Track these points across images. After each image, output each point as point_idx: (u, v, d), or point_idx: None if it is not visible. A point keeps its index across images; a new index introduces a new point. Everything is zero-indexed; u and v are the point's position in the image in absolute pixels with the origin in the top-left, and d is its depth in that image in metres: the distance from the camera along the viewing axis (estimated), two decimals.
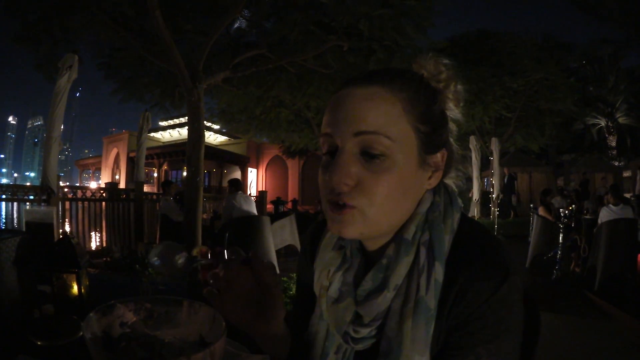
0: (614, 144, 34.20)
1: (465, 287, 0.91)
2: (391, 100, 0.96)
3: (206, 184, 38.04)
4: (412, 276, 0.96)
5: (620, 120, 33.79)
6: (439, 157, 1.03)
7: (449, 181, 1.11)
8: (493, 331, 0.89)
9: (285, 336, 1.12)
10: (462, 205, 1.06)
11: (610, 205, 8.49)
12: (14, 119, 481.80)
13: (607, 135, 34.57)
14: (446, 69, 1.04)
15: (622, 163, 30.70)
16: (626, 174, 25.28)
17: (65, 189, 11.20)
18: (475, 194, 15.54)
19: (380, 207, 0.95)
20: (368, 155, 0.94)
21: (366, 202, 0.94)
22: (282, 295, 1.09)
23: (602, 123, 34.47)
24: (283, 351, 1.12)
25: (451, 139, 1.09)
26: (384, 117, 0.95)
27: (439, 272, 0.93)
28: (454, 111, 1.07)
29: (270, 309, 1.06)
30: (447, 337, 0.93)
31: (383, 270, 0.99)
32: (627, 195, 17.40)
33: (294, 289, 5.78)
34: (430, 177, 1.03)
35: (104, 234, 11.22)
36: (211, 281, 1.05)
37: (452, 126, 1.09)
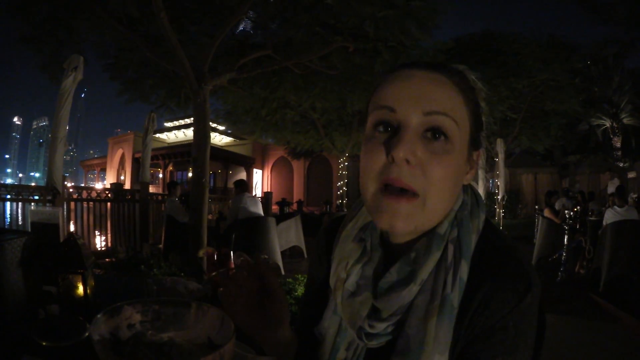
0: (618, 144, 34.12)
1: (489, 296, 0.90)
2: (455, 89, 0.98)
3: (211, 184, 38.09)
4: (439, 273, 0.95)
5: (625, 121, 33.71)
6: (477, 155, 1.06)
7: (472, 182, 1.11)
8: (513, 342, 0.88)
9: (290, 341, 1.12)
10: (486, 209, 1.06)
11: (616, 207, 8.47)
12: (19, 120, 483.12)
13: (612, 136, 34.50)
14: (473, 82, 1.04)
15: (627, 164, 30.61)
16: (631, 175, 25.21)
17: (71, 190, 11.21)
18: (482, 195, 15.50)
19: (439, 193, 0.95)
20: (433, 136, 0.94)
21: (428, 188, 0.93)
22: (287, 298, 1.09)
23: (607, 124, 34.39)
24: (289, 355, 1.12)
25: None
26: (451, 102, 0.96)
27: (464, 270, 0.93)
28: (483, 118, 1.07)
29: (275, 313, 1.07)
30: (466, 346, 0.91)
31: (411, 264, 0.98)
32: (633, 197, 17.36)
33: (299, 291, 5.78)
34: (467, 173, 1.05)
35: (109, 234, 11.24)
36: (223, 284, 1.05)
37: None
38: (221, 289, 1.07)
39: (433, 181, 0.93)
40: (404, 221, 0.94)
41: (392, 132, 0.96)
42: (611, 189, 16.32)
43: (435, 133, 0.94)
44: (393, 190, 0.93)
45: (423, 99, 0.94)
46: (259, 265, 1.05)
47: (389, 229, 0.97)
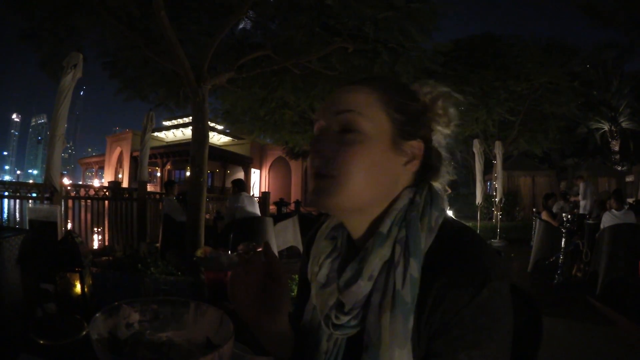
0: (617, 148, 34.14)
1: (442, 294, 0.92)
2: (368, 92, 1.11)
3: (209, 184, 38.05)
4: (389, 272, 1.00)
5: (624, 124, 33.74)
6: (414, 145, 1.13)
7: (436, 184, 1.18)
8: (474, 338, 0.89)
9: (289, 336, 1.14)
10: (446, 208, 1.11)
11: (613, 210, 8.47)
12: (17, 117, 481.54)
13: (610, 140, 34.52)
14: (431, 88, 1.18)
15: (624, 168, 30.63)
16: (629, 178, 25.24)
17: (69, 187, 11.19)
18: (479, 198, 15.53)
19: (352, 176, 1.04)
20: (345, 130, 1.08)
21: (340, 171, 1.04)
22: (289, 286, 1.12)
23: (606, 127, 34.41)
24: (287, 351, 1.14)
25: (436, 144, 1.19)
26: (359, 101, 1.09)
27: (414, 267, 0.96)
28: (442, 127, 1.19)
29: (277, 301, 1.10)
30: (428, 342, 0.94)
31: (359, 262, 1.04)
32: (630, 201, 17.37)
33: (295, 290, 5.81)
34: (406, 163, 1.12)
35: (106, 233, 11.21)
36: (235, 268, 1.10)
37: (440, 138, 1.19)
38: (232, 272, 1.12)
39: (344, 165, 1.04)
40: (324, 198, 1.06)
41: None
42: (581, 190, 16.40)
43: (346, 128, 1.08)
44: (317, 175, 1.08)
45: (334, 104, 1.11)
46: (267, 252, 1.11)
47: (316, 206, 1.08)
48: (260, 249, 1.10)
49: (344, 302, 1.02)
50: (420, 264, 0.97)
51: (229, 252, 2.51)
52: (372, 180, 1.06)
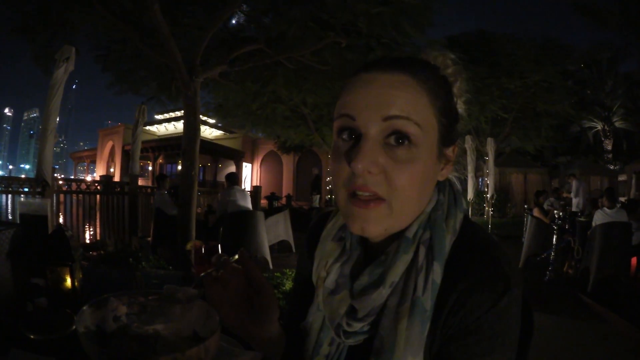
0: (609, 147, 34.30)
1: (464, 297, 0.90)
2: (418, 89, 0.95)
3: (201, 178, 37.96)
4: (409, 275, 0.95)
5: (617, 124, 33.92)
6: (451, 150, 1.05)
7: (452, 177, 1.10)
8: (489, 344, 0.88)
9: (279, 338, 1.11)
10: (467, 207, 1.06)
11: (605, 209, 8.50)
12: (9, 111, 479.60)
13: (603, 139, 34.67)
14: (453, 64, 1.05)
15: (617, 167, 30.77)
16: (621, 177, 25.36)
17: (60, 182, 11.15)
18: (470, 194, 15.57)
19: (405, 199, 0.94)
20: (396, 141, 0.93)
21: (393, 194, 0.92)
22: (274, 292, 1.09)
23: (599, 126, 34.60)
24: (277, 352, 1.11)
25: None
26: (413, 104, 0.93)
27: (437, 273, 0.92)
28: (459, 107, 1.07)
29: (264, 310, 1.06)
30: (442, 347, 0.92)
31: (381, 267, 0.98)
32: (622, 199, 17.45)
33: (287, 285, 5.79)
34: (442, 169, 1.04)
35: (97, 227, 11.18)
36: (208, 286, 1.04)
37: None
38: (205, 294, 1.05)
39: (398, 188, 0.92)
40: (374, 225, 0.94)
41: (355, 141, 0.95)
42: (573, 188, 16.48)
43: (397, 138, 0.93)
44: (361, 197, 0.94)
45: (382, 105, 0.93)
46: (243, 261, 1.05)
47: (361, 233, 0.97)
48: (235, 258, 1.05)
49: (358, 309, 0.97)
50: (443, 268, 0.94)
51: (219, 245, 2.49)
52: (421, 198, 0.99)
